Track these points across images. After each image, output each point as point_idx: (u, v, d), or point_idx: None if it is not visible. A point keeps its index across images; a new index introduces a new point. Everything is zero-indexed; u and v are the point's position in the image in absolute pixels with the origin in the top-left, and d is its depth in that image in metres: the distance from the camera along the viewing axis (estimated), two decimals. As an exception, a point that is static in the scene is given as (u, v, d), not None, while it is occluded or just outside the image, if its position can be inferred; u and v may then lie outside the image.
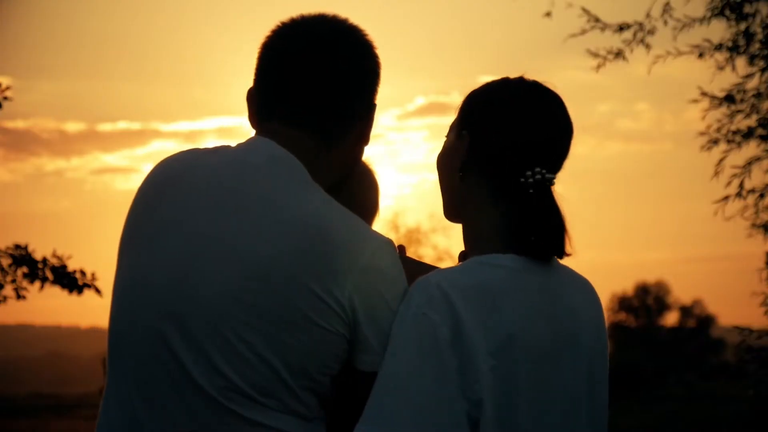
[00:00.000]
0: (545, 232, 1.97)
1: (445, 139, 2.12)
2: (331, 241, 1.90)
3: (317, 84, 2.00)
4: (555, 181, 2.01)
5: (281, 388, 1.87)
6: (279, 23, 2.06)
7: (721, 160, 5.78)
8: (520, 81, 2.07)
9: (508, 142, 2.01)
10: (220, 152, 2.01)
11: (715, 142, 5.82)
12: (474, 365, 1.86)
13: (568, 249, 2.00)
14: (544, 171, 1.99)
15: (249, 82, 2.08)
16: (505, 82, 2.07)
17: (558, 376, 1.95)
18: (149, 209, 1.96)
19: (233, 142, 2.05)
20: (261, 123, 2.05)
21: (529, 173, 1.99)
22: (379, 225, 2.41)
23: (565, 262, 2.03)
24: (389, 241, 1.96)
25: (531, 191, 1.98)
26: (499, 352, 1.88)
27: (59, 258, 7.59)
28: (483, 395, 1.86)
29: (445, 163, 2.08)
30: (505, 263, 1.95)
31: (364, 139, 2.08)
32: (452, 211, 2.09)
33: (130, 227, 1.99)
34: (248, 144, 2.01)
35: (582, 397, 1.99)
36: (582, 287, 2.05)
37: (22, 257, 7.51)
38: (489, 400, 1.86)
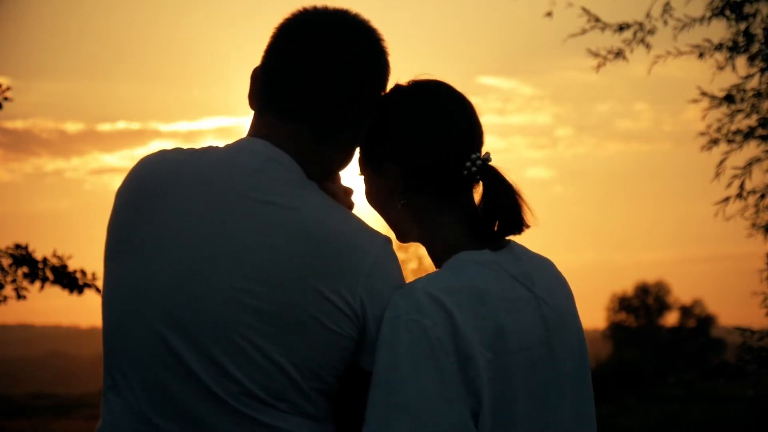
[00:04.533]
0: (512, 206, 1.97)
1: (361, 176, 2.08)
2: (338, 242, 1.89)
3: (323, 78, 1.96)
4: (490, 155, 2.01)
5: (293, 391, 1.86)
6: (300, 9, 2.01)
7: (721, 162, 5.77)
8: (411, 92, 2.04)
9: (439, 149, 2.00)
10: (211, 153, 1.96)
11: (715, 142, 5.81)
12: (473, 360, 1.86)
13: (529, 220, 2.01)
14: (477, 154, 2.00)
15: (248, 82, 2.05)
16: (396, 107, 2.04)
17: (552, 358, 1.97)
18: (144, 211, 1.91)
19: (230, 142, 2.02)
20: (259, 112, 2.01)
21: (468, 164, 1.99)
22: (380, 225, 2.40)
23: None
24: (390, 240, 1.96)
25: (478, 178, 1.99)
26: (492, 344, 1.89)
27: (59, 258, 7.56)
28: (481, 388, 1.86)
29: (381, 201, 2.07)
30: (478, 258, 1.96)
31: (356, 141, 2.04)
32: (405, 237, 2.08)
33: (122, 229, 1.93)
34: (241, 146, 1.97)
35: (582, 370, 2.02)
36: (548, 268, 2.06)
37: (22, 257, 7.49)
38: (486, 393, 1.87)
